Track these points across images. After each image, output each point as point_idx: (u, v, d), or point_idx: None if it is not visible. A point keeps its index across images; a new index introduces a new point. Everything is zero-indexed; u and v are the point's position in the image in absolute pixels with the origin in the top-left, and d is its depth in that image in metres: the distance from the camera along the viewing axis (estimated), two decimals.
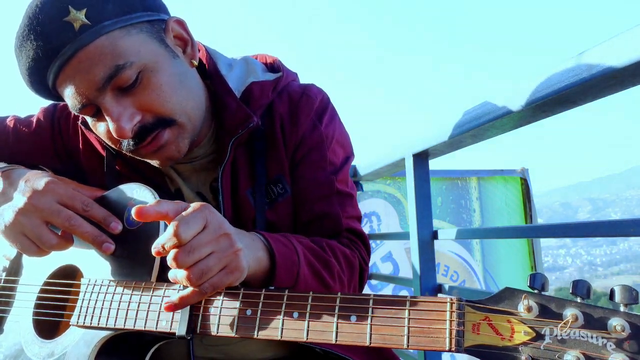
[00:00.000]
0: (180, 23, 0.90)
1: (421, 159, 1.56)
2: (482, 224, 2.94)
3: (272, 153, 0.98)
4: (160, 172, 1.01)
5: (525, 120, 1.12)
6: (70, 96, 0.82)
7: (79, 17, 0.76)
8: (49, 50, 0.77)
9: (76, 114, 0.86)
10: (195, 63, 0.92)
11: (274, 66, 1.07)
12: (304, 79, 1.12)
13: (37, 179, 0.85)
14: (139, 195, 0.89)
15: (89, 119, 0.88)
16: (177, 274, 0.68)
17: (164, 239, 0.65)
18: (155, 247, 0.66)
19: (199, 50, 1.01)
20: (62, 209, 0.82)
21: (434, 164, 1.63)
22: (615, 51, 0.80)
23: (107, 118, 0.83)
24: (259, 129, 0.96)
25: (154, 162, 0.92)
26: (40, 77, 0.82)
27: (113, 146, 0.90)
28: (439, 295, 1.52)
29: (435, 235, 1.54)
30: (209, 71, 1.00)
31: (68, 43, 0.76)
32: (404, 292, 3.05)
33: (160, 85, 0.83)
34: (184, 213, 0.66)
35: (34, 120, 1.08)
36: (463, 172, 2.97)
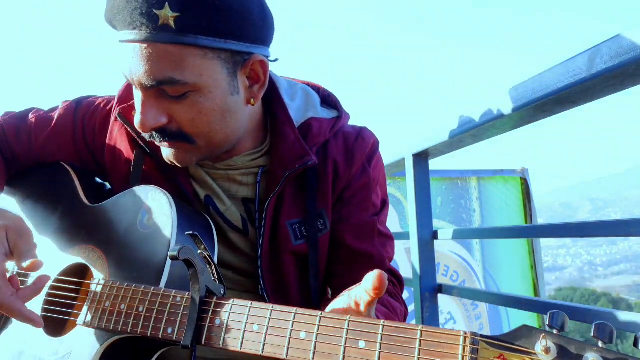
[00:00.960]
0: (263, 65, 0.89)
1: (421, 159, 1.56)
2: (482, 224, 2.94)
3: (319, 188, 0.99)
4: (190, 177, 1.00)
5: (525, 120, 1.12)
6: (122, 63, 0.82)
7: (168, 16, 0.76)
8: (128, 23, 0.78)
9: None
10: (253, 103, 0.92)
11: (328, 100, 1.08)
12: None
13: None
14: (153, 198, 0.89)
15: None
16: None
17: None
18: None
19: None
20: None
21: (434, 164, 1.63)
22: (616, 50, 0.80)
23: (137, 107, 0.84)
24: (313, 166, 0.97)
25: (162, 153, 0.93)
26: (113, 26, 0.82)
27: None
28: (439, 295, 1.52)
29: (435, 235, 1.54)
30: (269, 93, 1.00)
31: (144, 31, 0.77)
32: (403, 292, 3.04)
33: (201, 111, 0.84)
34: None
35: (55, 117, 1.07)
36: (463, 172, 2.97)
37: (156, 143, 0.91)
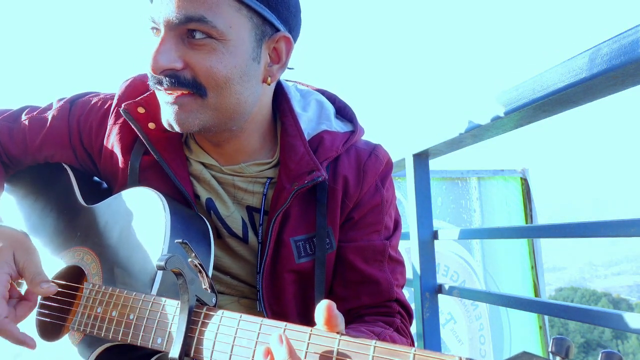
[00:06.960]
0: (289, 43, 0.88)
1: (421, 159, 1.55)
2: (482, 224, 2.93)
3: (327, 205, 0.95)
4: (192, 177, 0.96)
5: (525, 120, 1.11)
6: (148, 8, 0.80)
7: None
8: None
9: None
10: (268, 82, 0.89)
11: (343, 112, 1.05)
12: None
13: None
14: (147, 201, 0.88)
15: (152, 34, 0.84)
16: None
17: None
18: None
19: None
20: None
21: (434, 164, 1.63)
22: (616, 50, 0.80)
23: (152, 49, 0.80)
24: (323, 181, 0.94)
25: (163, 116, 0.86)
26: None
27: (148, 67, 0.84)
28: (439, 295, 1.52)
29: (435, 235, 1.54)
30: (279, 103, 0.98)
31: None
32: (404, 292, 3.03)
33: (221, 62, 0.80)
34: None
35: (49, 118, 1.04)
36: (463, 172, 2.96)
37: (161, 94, 0.85)
